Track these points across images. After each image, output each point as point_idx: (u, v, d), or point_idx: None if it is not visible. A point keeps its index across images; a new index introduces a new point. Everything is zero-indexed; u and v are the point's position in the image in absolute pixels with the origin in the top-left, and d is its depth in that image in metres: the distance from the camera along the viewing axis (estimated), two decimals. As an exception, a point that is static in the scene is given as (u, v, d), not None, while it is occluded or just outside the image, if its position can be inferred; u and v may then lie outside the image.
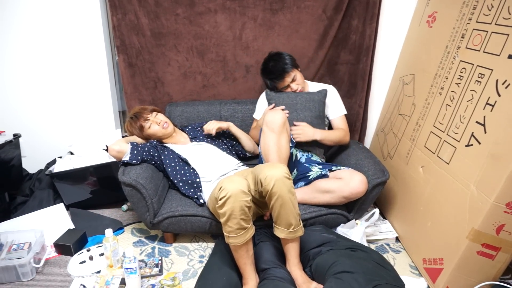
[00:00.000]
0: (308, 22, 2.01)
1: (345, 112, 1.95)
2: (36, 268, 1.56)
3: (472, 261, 1.35)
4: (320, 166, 1.78)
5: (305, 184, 1.75)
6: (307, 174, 1.75)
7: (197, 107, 2.10)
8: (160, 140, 1.88)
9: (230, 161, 1.83)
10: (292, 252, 1.42)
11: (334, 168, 1.74)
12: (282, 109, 1.78)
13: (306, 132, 1.79)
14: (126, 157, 1.67)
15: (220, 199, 1.30)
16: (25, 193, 2.08)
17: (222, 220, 1.33)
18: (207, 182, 1.73)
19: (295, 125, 1.81)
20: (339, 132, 1.89)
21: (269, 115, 1.62)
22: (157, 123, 1.81)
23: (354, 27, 2.02)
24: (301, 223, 1.43)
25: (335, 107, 1.94)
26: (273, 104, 1.86)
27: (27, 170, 2.23)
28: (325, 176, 1.70)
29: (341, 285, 1.17)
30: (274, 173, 1.35)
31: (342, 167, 1.74)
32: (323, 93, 1.88)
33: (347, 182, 1.62)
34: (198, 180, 1.72)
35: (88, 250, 1.66)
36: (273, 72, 1.85)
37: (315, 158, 1.88)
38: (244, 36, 2.05)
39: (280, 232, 1.41)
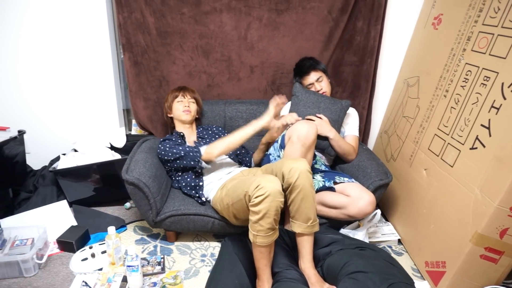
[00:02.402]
0: (313, 23, 2.01)
1: (357, 135, 1.97)
2: (39, 264, 1.57)
3: (475, 265, 1.35)
4: (323, 175, 1.77)
5: None
6: None
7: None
8: (174, 120, 1.94)
9: (231, 164, 1.86)
10: (307, 247, 1.42)
11: (337, 178, 1.71)
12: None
13: (323, 125, 1.80)
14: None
15: (257, 197, 1.28)
16: (28, 189, 2.09)
17: (254, 218, 1.30)
18: (209, 183, 1.74)
19: (316, 116, 1.83)
20: (349, 145, 1.88)
21: (303, 127, 1.53)
22: (184, 105, 1.88)
23: (359, 29, 2.02)
24: (317, 219, 1.44)
25: (352, 126, 1.97)
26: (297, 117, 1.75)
27: (31, 166, 2.24)
28: (330, 188, 1.68)
29: (357, 285, 1.18)
30: (298, 166, 1.37)
31: (346, 179, 1.72)
32: (347, 103, 1.90)
33: (355, 201, 1.57)
34: (201, 183, 1.73)
35: (91, 247, 1.66)
36: (301, 67, 1.94)
37: (318, 165, 1.87)
38: (249, 36, 2.05)
39: (297, 226, 1.41)
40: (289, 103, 1.98)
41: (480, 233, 1.28)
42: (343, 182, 1.69)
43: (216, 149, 1.64)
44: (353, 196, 1.59)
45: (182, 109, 1.88)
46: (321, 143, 1.85)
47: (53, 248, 1.70)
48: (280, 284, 1.30)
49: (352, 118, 1.98)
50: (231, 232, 1.70)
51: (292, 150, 1.55)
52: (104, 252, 1.63)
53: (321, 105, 1.85)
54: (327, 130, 1.80)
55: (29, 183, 2.11)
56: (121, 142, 2.23)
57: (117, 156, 2.14)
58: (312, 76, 1.91)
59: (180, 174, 1.79)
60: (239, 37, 2.05)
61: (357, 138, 1.96)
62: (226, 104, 2.12)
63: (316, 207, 1.66)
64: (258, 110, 2.09)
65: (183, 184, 1.76)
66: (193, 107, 1.93)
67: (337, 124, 1.88)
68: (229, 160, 1.86)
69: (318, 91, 1.91)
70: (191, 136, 1.92)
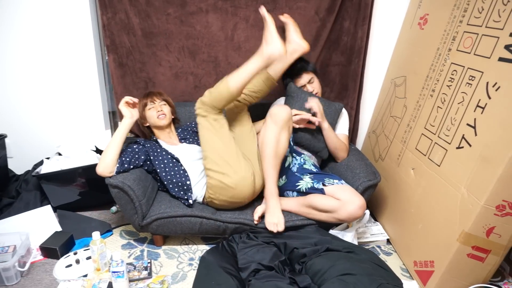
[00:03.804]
0: (300, 24, 1.99)
1: (347, 134, 1.98)
2: (21, 272, 1.52)
3: (463, 264, 1.35)
4: (312, 176, 1.75)
5: (298, 195, 1.73)
6: (296, 184, 1.72)
7: (189, 108, 2.08)
8: (152, 129, 1.89)
9: None
10: None
11: (327, 181, 1.69)
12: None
13: (323, 113, 1.79)
14: (114, 171, 1.62)
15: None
16: (11, 194, 2.03)
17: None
18: (197, 183, 1.72)
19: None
20: (341, 141, 1.89)
21: (275, 108, 1.60)
22: (157, 110, 1.82)
23: (346, 29, 2.02)
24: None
25: (343, 125, 1.98)
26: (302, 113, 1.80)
27: (14, 171, 2.19)
28: (320, 190, 1.66)
29: (346, 287, 1.17)
30: None
31: (335, 181, 1.69)
32: (340, 106, 1.92)
33: (345, 205, 1.56)
34: (188, 182, 1.70)
35: (75, 253, 1.62)
36: (292, 69, 1.88)
37: (307, 165, 1.85)
38: (236, 37, 2.03)
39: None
40: (282, 98, 1.98)
41: (467, 232, 1.29)
42: (333, 185, 1.68)
43: (101, 163, 1.59)
44: (343, 200, 1.57)
45: (156, 114, 1.81)
46: (316, 145, 1.85)
47: (36, 255, 1.65)
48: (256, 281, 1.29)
49: (343, 118, 2.00)
50: (218, 233, 1.68)
51: (266, 131, 1.60)
52: (89, 258, 1.59)
53: None
54: (323, 119, 1.80)
55: (12, 188, 2.06)
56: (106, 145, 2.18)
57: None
58: (304, 78, 1.89)
59: (161, 174, 1.75)
60: (226, 37, 2.03)
61: (348, 137, 1.98)
62: (214, 105, 2.09)
63: (306, 211, 1.66)
64: (246, 111, 2.07)
65: (170, 186, 1.73)
66: (166, 109, 1.86)
67: (332, 125, 1.87)
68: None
69: (311, 92, 1.90)
70: (172, 139, 1.89)
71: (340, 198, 1.58)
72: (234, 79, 1.59)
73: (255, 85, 1.74)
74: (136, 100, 1.76)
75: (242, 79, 1.58)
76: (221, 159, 1.61)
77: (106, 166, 1.58)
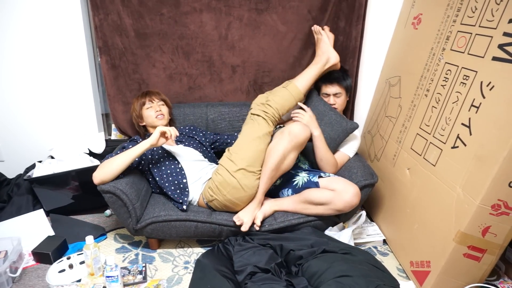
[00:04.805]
0: (293, 22, 2.00)
1: (351, 156, 1.90)
2: (13, 278, 1.50)
3: (459, 264, 1.35)
4: (307, 172, 1.75)
5: (293, 192, 1.73)
6: (293, 180, 1.72)
7: (183, 109, 2.06)
8: (148, 128, 1.88)
9: (211, 168, 1.81)
10: None
11: (322, 174, 1.70)
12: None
13: (312, 121, 1.73)
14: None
15: None
16: (2, 199, 2.00)
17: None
18: (194, 182, 1.71)
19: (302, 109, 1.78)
20: (332, 156, 1.79)
21: (298, 127, 1.57)
22: (155, 110, 1.81)
23: (340, 29, 2.01)
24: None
25: (348, 146, 1.90)
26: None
27: (5, 175, 2.15)
28: (315, 184, 1.66)
29: None
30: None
31: (331, 174, 1.71)
32: (353, 126, 1.82)
33: (340, 194, 1.56)
34: (184, 180, 1.68)
35: (68, 258, 1.60)
36: (330, 74, 1.88)
37: (301, 164, 1.85)
38: (230, 36, 2.02)
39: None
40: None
41: (463, 232, 1.29)
42: (329, 177, 1.68)
43: (107, 174, 1.53)
44: (338, 190, 1.58)
45: (155, 115, 1.81)
46: (310, 156, 1.83)
47: (29, 261, 1.63)
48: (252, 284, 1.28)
49: (353, 141, 1.91)
50: (214, 236, 1.67)
51: (278, 143, 1.57)
52: (82, 262, 1.57)
53: (325, 119, 1.80)
54: (314, 126, 1.74)
55: (3, 192, 2.03)
56: (100, 148, 2.16)
57: (96, 162, 2.08)
58: (334, 89, 1.86)
59: (158, 174, 1.72)
60: (220, 37, 2.02)
61: (347, 158, 1.88)
62: (208, 106, 2.08)
63: (303, 206, 1.66)
64: (240, 112, 2.06)
65: (166, 185, 1.69)
66: (165, 110, 1.86)
67: (334, 142, 1.81)
68: (209, 165, 1.82)
69: (331, 105, 1.88)
70: (168, 140, 1.87)
71: (335, 189, 1.59)
72: (300, 82, 1.77)
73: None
74: (174, 137, 1.64)
75: (306, 80, 1.78)
76: (252, 160, 1.60)
77: (105, 178, 1.53)
